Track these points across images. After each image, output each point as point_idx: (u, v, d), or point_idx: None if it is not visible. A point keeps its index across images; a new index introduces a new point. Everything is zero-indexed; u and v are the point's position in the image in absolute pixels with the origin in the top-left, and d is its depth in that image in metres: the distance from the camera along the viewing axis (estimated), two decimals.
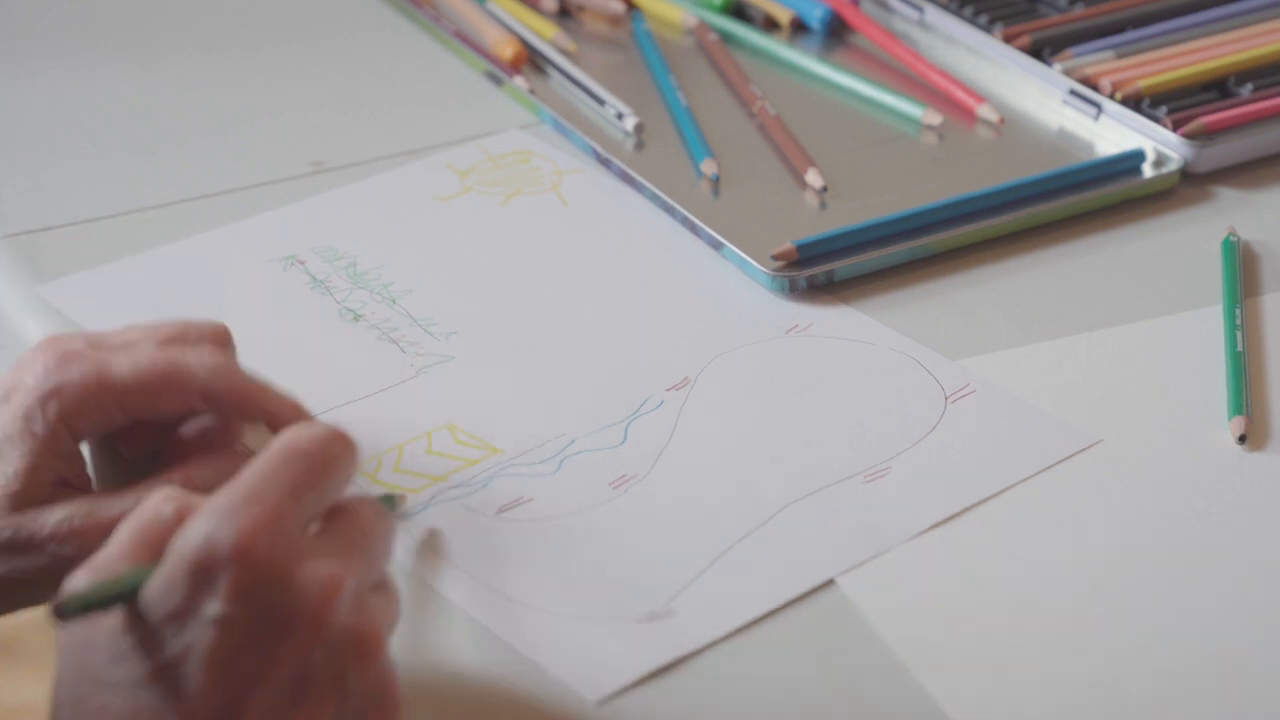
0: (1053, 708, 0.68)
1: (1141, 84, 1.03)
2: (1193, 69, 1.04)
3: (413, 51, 1.15)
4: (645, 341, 0.88)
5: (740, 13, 1.17)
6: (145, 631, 0.60)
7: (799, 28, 1.15)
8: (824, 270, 0.91)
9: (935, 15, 1.13)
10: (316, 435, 0.64)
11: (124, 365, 0.73)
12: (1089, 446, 0.80)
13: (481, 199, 0.99)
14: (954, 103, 1.06)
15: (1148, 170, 0.99)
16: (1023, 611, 0.72)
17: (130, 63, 1.13)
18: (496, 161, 1.03)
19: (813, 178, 0.99)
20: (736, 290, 0.91)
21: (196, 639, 0.60)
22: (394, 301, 0.91)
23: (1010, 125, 1.04)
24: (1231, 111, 1.01)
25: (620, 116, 1.04)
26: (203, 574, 0.60)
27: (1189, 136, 0.99)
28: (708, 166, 0.99)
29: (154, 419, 0.74)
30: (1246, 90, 1.03)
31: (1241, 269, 0.91)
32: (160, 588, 0.60)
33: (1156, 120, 1.01)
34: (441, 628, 0.72)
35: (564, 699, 0.69)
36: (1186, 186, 0.99)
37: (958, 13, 1.12)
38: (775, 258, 0.91)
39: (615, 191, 1.00)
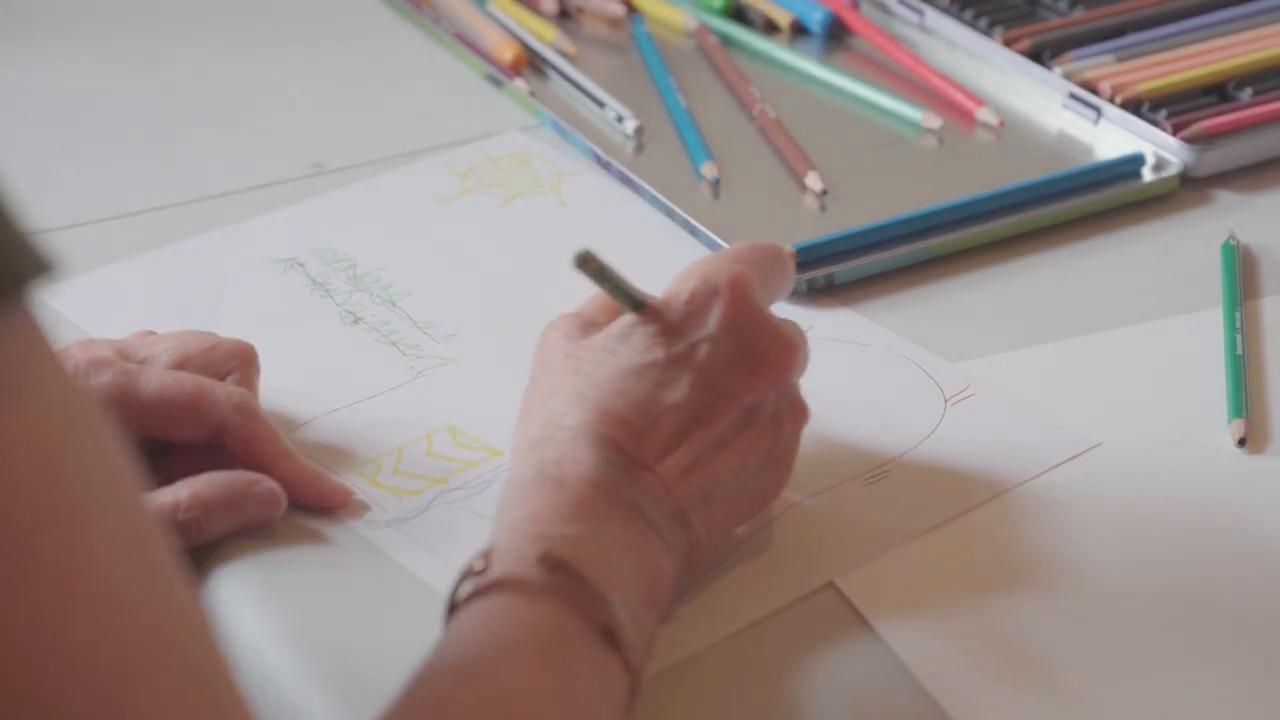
0: (1052, 708, 0.68)
1: (1141, 88, 1.03)
2: (1193, 73, 1.04)
3: (413, 53, 1.15)
4: None
5: (740, 15, 1.17)
6: (646, 341, 0.71)
7: (799, 30, 1.16)
8: (824, 273, 0.91)
9: (935, 18, 1.13)
10: (773, 244, 0.76)
11: (152, 383, 0.75)
12: (1088, 449, 0.80)
13: (481, 201, 0.99)
14: (954, 106, 1.06)
15: (1147, 174, 0.99)
16: (1023, 612, 0.72)
17: (130, 65, 1.13)
18: (496, 163, 1.03)
19: (813, 181, 0.99)
20: None
21: (689, 353, 0.70)
22: (394, 303, 0.91)
23: (1010, 129, 1.04)
24: (1231, 115, 1.01)
25: (620, 119, 1.04)
26: (701, 302, 0.71)
27: (1189, 140, 0.99)
28: (708, 169, 1.00)
29: (168, 438, 0.75)
30: (1246, 94, 1.04)
31: (1241, 272, 0.91)
32: (664, 308, 0.71)
33: (1156, 124, 1.01)
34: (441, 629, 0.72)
35: None
36: (1186, 190, 0.99)
37: (958, 16, 1.13)
38: None
39: (615, 194, 1.00)
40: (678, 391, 0.70)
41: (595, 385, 0.70)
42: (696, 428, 0.69)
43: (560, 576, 0.63)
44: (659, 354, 0.70)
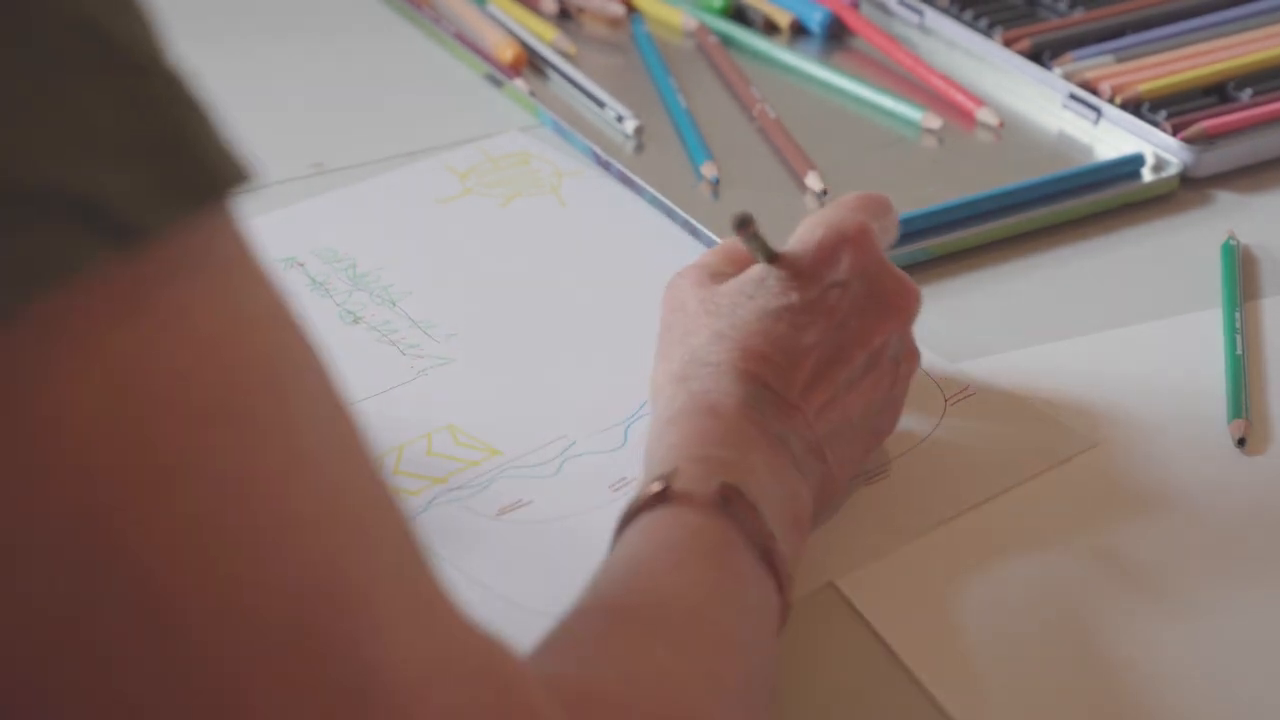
0: (1053, 708, 0.68)
1: (1141, 88, 1.03)
2: (1192, 73, 1.04)
3: (413, 53, 1.15)
4: (646, 343, 0.88)
5: (740, 15, 1.17)
6: (782, 285, 0.74)
7: (799, 31, 1.16)
8: None
9: (935, 19, 1.13)
10: (879, 194, 0.80)
11: None
12: (1088, 449, 0.80)
13: (481, 201, 0.99)
14: (954, 106, 1.06)
15: (1147, 174, 0.99)
16: (1023, 612, 0.72)
17: None
18: (496, 163, 1.03)
19: (813, 181, 0.99)
20: None
21: (823, 297, 0.74)
22: (394, 303, 0.91)
23: (1010, 129, 1.05)
24: (1231, 116, 1.01)
25: (620, 119, 1.04)
26: (830, 250, 0.74)
27: (1188, 141, 0.99)
28: (708, 169, 1.00)
29: None
30: (1246, 95, 1.04)
31: (1241, 273, 0.91)
32: (796, 256, 0.74)
33: (1156, 124, 1.01)
34: None
35: None
36: (1186, 191, 0.99)
37: (958, 16, 1.13)
38: None
39: (615, 194, 1.00)
40: (814, 333, 0.73)
41: (734, 325, 0.73)
42: (832, 367, 0.73)
43: (728, 495, 0.66)
44: (794, 298, 0.73)
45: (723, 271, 0.77)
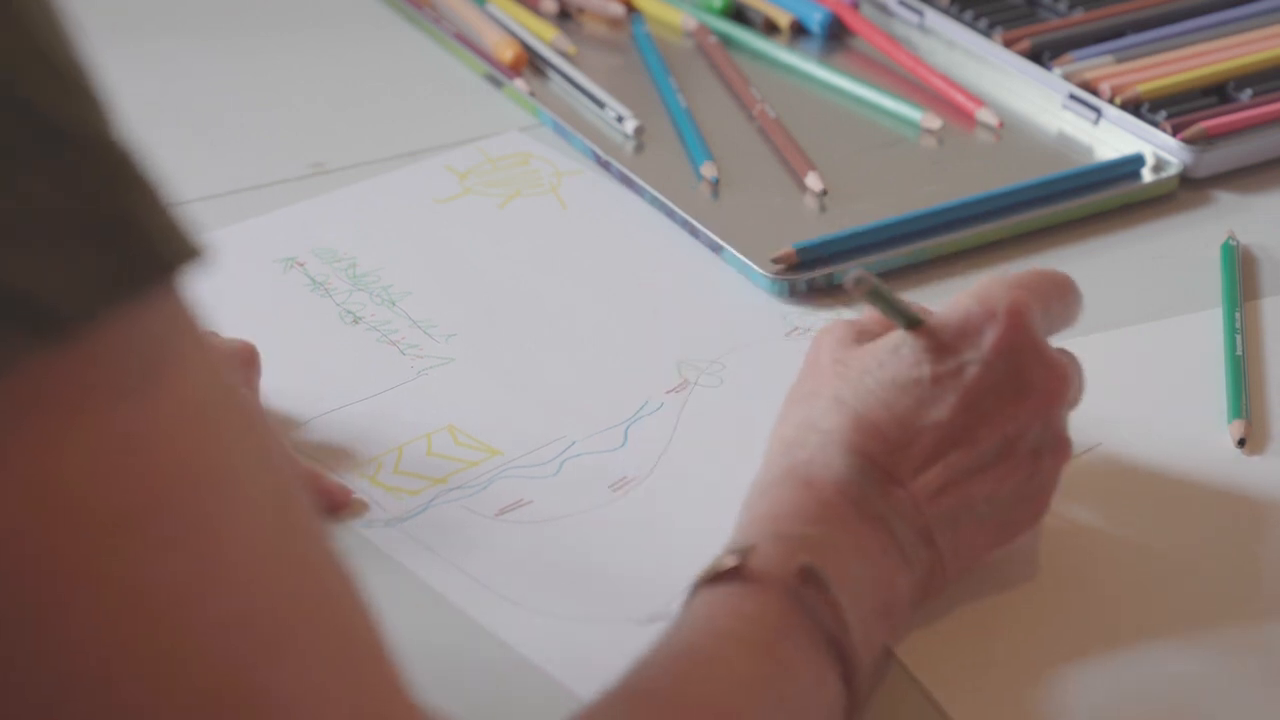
0: (1052, 708, 0.68)
1: (1141, 88, 1.03)
2: (1192, 74, 1.04)
3: (413, 53, 1.15)
4: (645, 344, 0.88)
5: (740, 16, 1.17)
6: (916, 356, 0.70)
7: (799, 31, 1.15)
8: (824, 273, 0.91)
9: (935, 19, 1.13)
10: (1061, 274, 0.75)
11: None
12: (1088, 450, 0.80)
13: (481, 201, 0.99)
14: (954, 106, 1.06)
15: (1147, 175, 0.99)
16: (1023, 612, 0.72)
17: (129, 63, 1.13)
18: (496, 163, 1.03)
19: (812, 181, 0.99)
20: (736, 293, 0.91)
21: (957, 373, 0.69)
22: (394, 303, 0.91)
23: (1010, 129, 1.04)
24: (1231, 116, 1.01)
25: (620, 119, 1.04)
26: (976, 325, 0.70)
27: (1188, 141, 0.99)
28: (707, 169, 1.00)
29: None
30: (1246, 95, 1.04)
31: (1241, 273, 0.91)
32: (939, 325, 0.70)
33: (1156, 125, 1.01)
34: (441, 629, 0.72)
35: (564, 701, 0.68)
36: (1186, 191, 0.99)
37: (957, 16, 1.13)
38: (775, 261, 0.91)
39: (615, 194, 1.00)
40: (940, 410, 0.69)
41: (857, 393, 0.69)
42: (954, 449, 0.69)
43: (804, 579, 0.63)
44: (925, 370, 0.69)
45: (871, 331, 0.73)
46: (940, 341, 0.70)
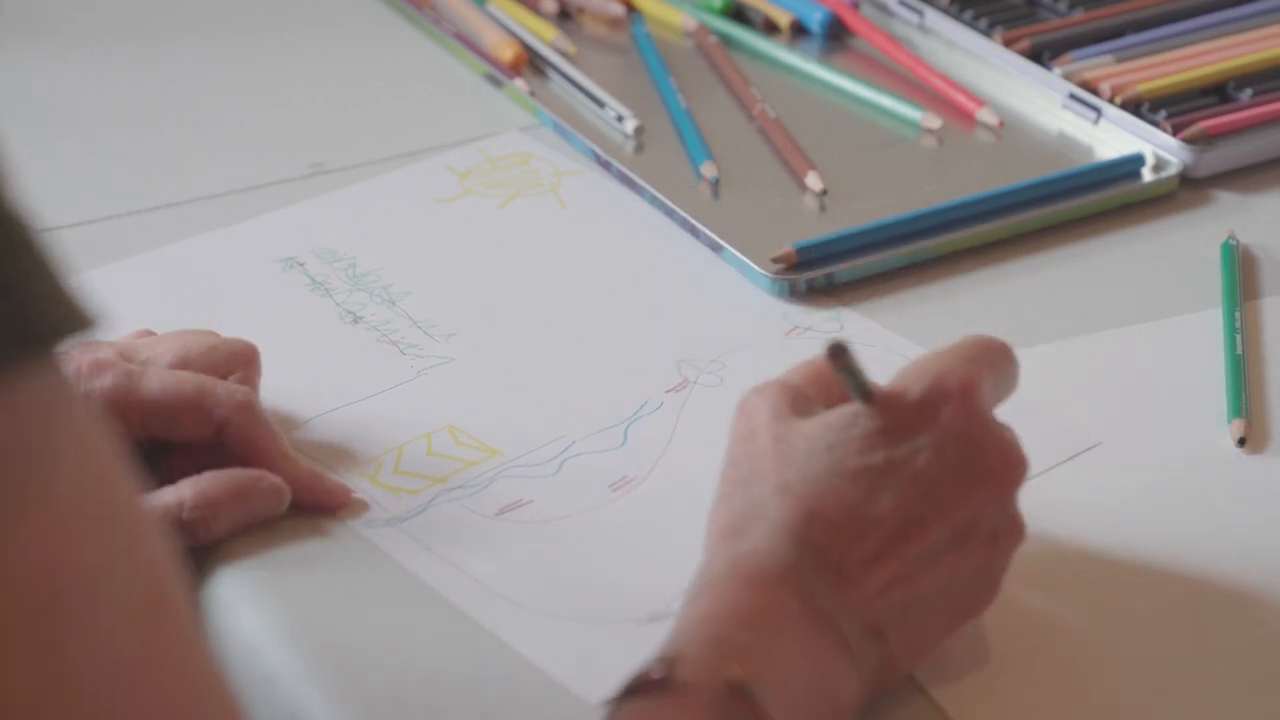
0: (1052, 708, 0.68)
1: (1141, 88, 1.03)
2: (1192, 73, 1.04)
3: (413, 53, 1.15)
4: (645, 344, 0.88)
5: (740, 15, 1.17)
6: (868, 439, 0.66)
7: (799, 31, 1.15)
8: (824, 273, 0.91)
9: (935, 19, 1.13)
10: (1001, 341, 0.71)
11: (154, 383, 0.75)
12: (1089, 449, 0.80)
13: (481, 201, 0.99)
14: (954, 106, 1.06)
15: (1147, 174, 0.99)
16: (1022, 612, 0.72)
17: (130, 63, 1.13)
18: (496, 163, 1.03)
19: (812, 181, 0.99)
20: (736, 293, 0.91)
21: (911, 459, 0.66)
22: (393, 303, 0.91)
23: (1010, 129, 1.04)
24: (1231, 116, 1.01)
25: (620, 119, 1.04)
26: (930, 404, 0.66)
27: (1188, 141, 0.99)
28: (707, 169, 0.99)
29: (171, 437, 0.76)
30: (1246, 95, 1.04)
31: (1241, 273, 0.91)
32: (892, 402, 0.66)
33: (1156, 124, 1.01)
34: (441, 629, 0.72)
35: (564, 701, 0.68)
36: (1186, 191, 0.99)
37: (957, 16, 1.13)
38: (775, 260, 0.91)
39: (615, 194, 1.00)
40: (894, 499, 0.65)
41: (805, 479, 0.65)
42: (907, 540, 0.65)
43: (732, 693, 0.60)
44: (879, 456, 0.65)
45: (805, 393, 0.69)
46: (893, 421, 0.66)
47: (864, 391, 0.67)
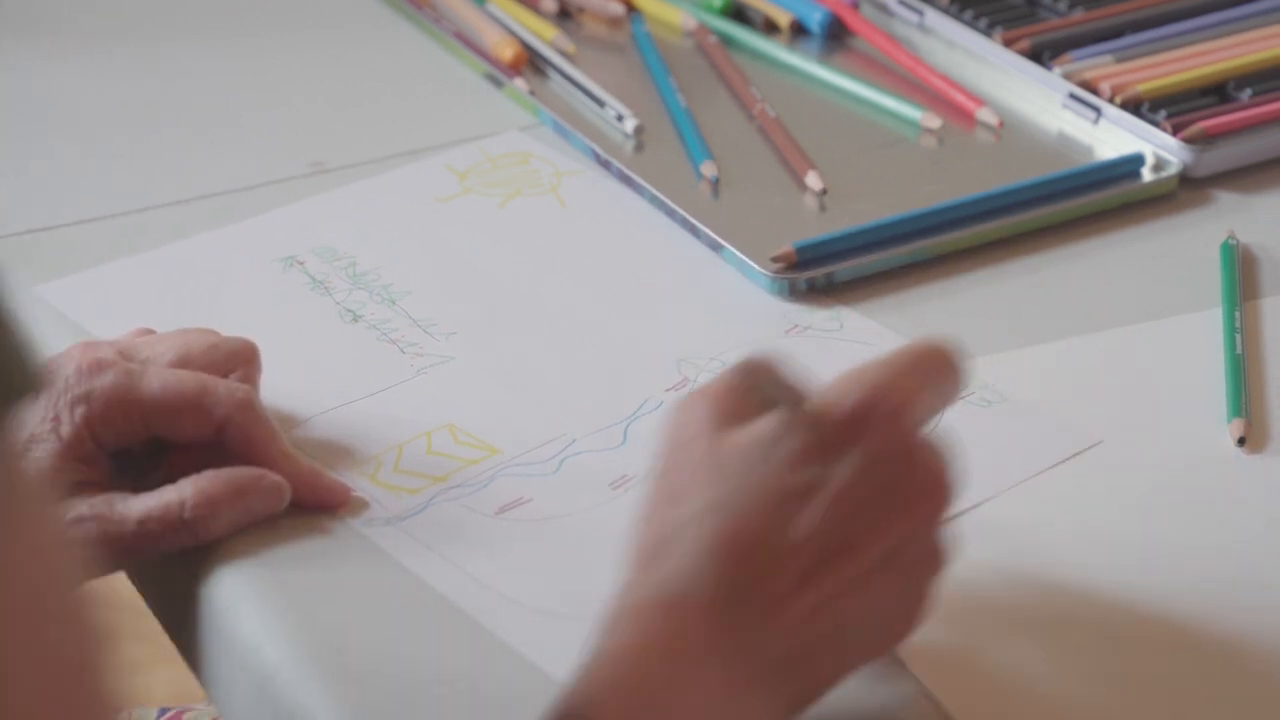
0: (1053, 708, 0.68)
1: (1141, 88, 1.03)
2: (1192, 73, 1.04)
3: (413, 53, 1.15)
4: (645, 343, 0.88)
5: (740, 15, 1.17)
6: (793, 457, 0.63)
7: (799, 30, 1.15)
8: (823, 273, 0.91)
9: (935, 19, 1.13)
10: (946, 349, 0.67)
11: (154, 383, 0.75)
12: (1089, 448, 0.80)
13: (481, 200, 0.99)
14: (953, 106, 1.06)
15: (1147, 174, 0.99)
16: (1022, 612, 0.72)
17: (130, 63, 1.13)
18: (496, 163, 1.03)
19: (812, 180, 0.99)
20: (736, 292, 0.91)
21: (834, 475, 0.63)
22: (393, 302, 0.91)
23: (1010, 129, 1.05)
24: (1231, 116, 1.01)
25: (620, 118, 1.04)
26: (861, 419, 0.64)
27: (1188, 141, 0.99)
28: (707, 169, 1.00)
29: (172, 436, 0.76)
30: (1246, 95, 1.04)
31: (1241, 272, 0.91)
32: (822, 416, 0.64)
33: (1156, 124, 1.01)
34: (441, 628, 0.72)
35: None
36: (1185, 190, 0.99)
37: (957, 16, 1.13)
38: (775, 260, 0.91)
39: (615, 193, 1.00)
40: (818, 521, 0.63)
41: (731, 498, 0.63)
42: (833, 564, 0.63)
43: None
44: (806, 475, 0.63)
45: (739, 412, 0.66)
46: (821, 439, 0.64)
47: (794, 403, 0.65)
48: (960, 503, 0.75)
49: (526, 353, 0.87)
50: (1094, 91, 1.04)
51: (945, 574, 0.66)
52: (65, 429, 0.74)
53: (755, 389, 0.67)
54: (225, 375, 0.78)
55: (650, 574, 0.63)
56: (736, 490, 0.63)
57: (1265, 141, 1.01)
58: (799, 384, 0.66)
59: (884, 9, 1.16)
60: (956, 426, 0.81)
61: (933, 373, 0.67)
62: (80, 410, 0.74)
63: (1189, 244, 0.95)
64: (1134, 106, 1.02)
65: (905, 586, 0.65)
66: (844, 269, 0.91)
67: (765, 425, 0.65)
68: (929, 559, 0.65)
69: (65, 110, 1.08)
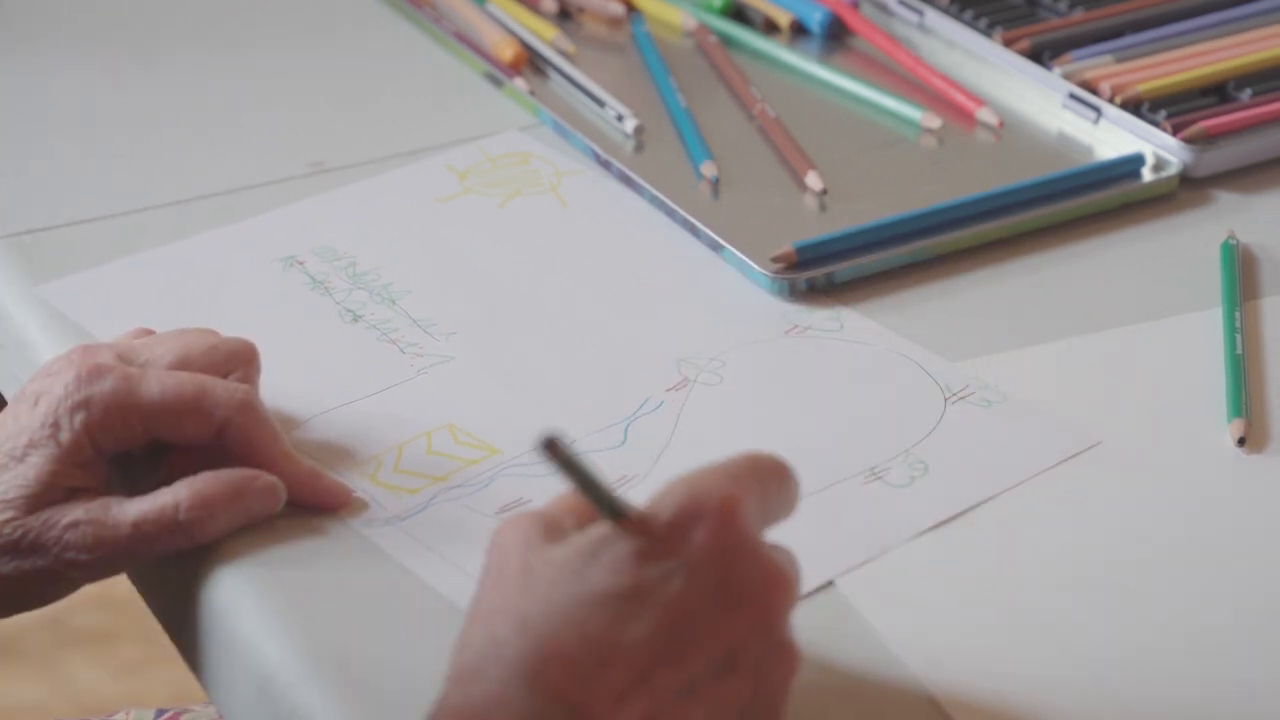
0: (1053, 708, 0.68)
1: (1141, 88, 1.03)
2: (1192, 73, 1.04)
3: (413, 52, 1.15)
4: (645, 342, 0.88)
5: (740, 15, 1.17)
6: (615, 561, 0.61)
7: (799, 30, 1.15)
8: (823, 273, 0.91)
9: (935, 18, 1.13)
10: (777, 459, 0.65)
11: (154, 386, 0.75)
12: (1088, 448, 0.80)
13: (481, 200, 0.99)
14: (954, 106, 1.06)
15: (1147, 174, 0.99)
16: (1022, 612, 0.72)
17: (130, 63, 1.13)
18: (496, 163, 1.03)
19: (812, 180, 0.99)
20: (736, 292, 0.91)
21: (663, 581, 0.61)
22: (393, 302, 0.91)
23: (1010, 129, 1.05)
24: (1230, 116, 1.01)
25: (620, 118, 1.04)
26: (684, 523, 0.61)
27: (1188, 141, 0.99)
28: (707, 169, 1.00)
29: (173, 440, 0.76)
30: (1246, 95, 1.04)
31: (1241, 272, 0.91)
32: (644, 521, 0.62)
33: (1156, 124, 1.01)
34: (441, 628, 0.72)
35: None
36: (1186, 190, 0.99)
37: (957, 16, 1.13)
38: (775, 260, 0.91)
39: (615, 193, 1.00)
40: (641, 627, 0.60)
41: (545, 613, 0.60)
42: (660, 673, 0.60)
43: None
44: (626, 580, 0.60)
45: (561, 524, 0.64)
46: (644, 544, 0.61)
47: (610, 507, 0.62)
48: (960, 503, 0.75)
49: (526, 353, 0.87)
50: (1094, 91, 1.04)
51: (798, 676, 0.63)
52: (65, 435, 0.74)
53: (580, 505, 0.64)
54: (225, 376, 0.78)
55: (461, 697, 0.60)
56: (553, 602, 0.60)
57: (1265, 141, 1.01)
58: (613, 492, 0.62)
59: (884, 9, 1.16)
60: (958, 426, 0.81)
61: (764, 478, 0.64)
62: (80, 416, 0.74)
63: (1189, 244, 0.95)
64: (1134, 106, 1.02)
65: (752, 692, 0.62)
66: (844, 269, 0.91)
67: (584, 536, 0.62)
68: (776, 661, 0.63)
69: (65, 110, 1.09)
